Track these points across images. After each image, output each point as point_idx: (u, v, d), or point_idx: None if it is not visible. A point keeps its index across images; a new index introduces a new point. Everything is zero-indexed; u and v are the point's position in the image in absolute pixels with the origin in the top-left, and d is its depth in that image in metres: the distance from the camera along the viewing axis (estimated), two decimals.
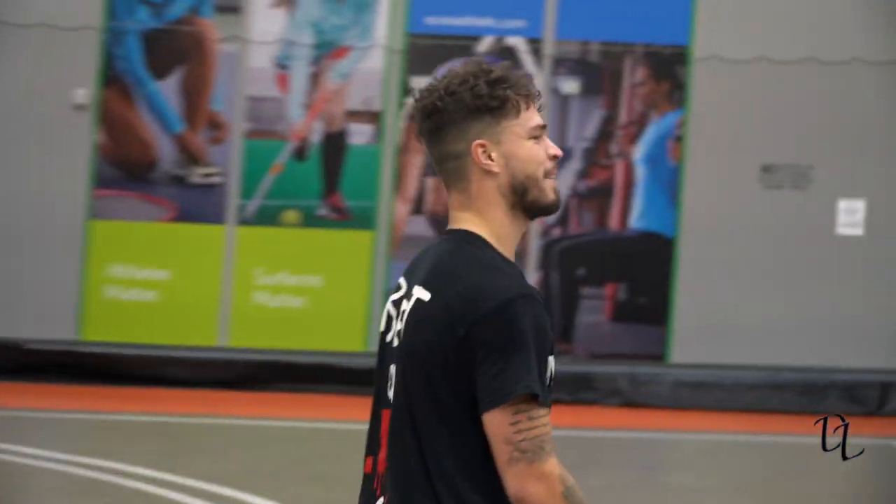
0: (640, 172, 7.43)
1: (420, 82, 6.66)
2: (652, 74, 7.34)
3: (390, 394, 1.07)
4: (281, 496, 5.06)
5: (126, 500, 5.09)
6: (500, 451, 0.94)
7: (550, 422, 1.00)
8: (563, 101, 7.40)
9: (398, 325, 1.07)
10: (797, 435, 7.40)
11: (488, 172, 1.02)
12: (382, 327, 1.13)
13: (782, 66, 7.45)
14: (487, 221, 1.05)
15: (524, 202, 1.06)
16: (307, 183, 7.42)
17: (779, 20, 7.53)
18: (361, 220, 7.32)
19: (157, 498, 4.98)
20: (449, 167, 1.06)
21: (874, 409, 7.91)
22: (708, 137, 7.58)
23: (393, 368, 1.07)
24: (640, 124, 7.40)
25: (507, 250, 1.06)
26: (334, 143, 7.38)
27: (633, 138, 7.41)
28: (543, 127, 1.10)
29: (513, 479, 0.95)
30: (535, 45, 7.39)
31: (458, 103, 1.03)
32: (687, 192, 7.39)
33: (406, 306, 1.07)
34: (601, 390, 8.28)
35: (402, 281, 1.13)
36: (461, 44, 7.34)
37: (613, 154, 7.49)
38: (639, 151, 7.44)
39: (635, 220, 7.42)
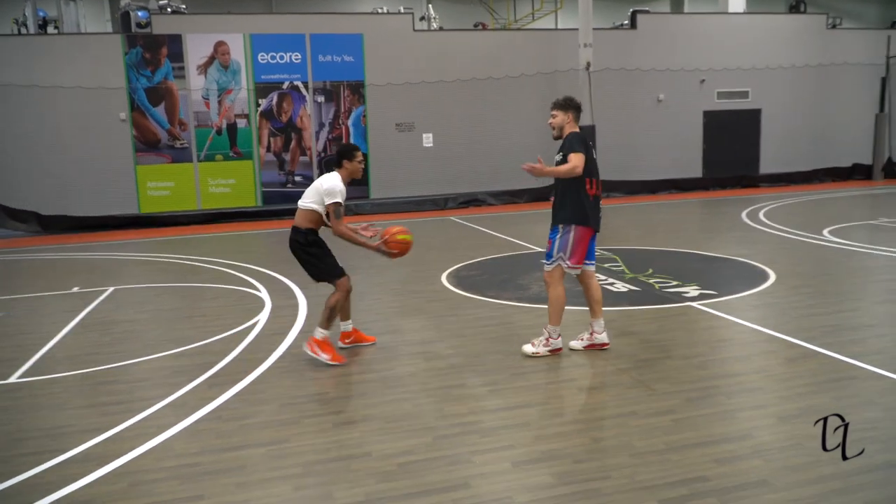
0: (351, 129, 17.26)
1: (260, 103, 16.49)
2: (352, 92, 17.01)
3: None
4: None
5: None
6: None
7: None
8: (318, 105, 16.93)
9: None
10: None
11: None
12: None
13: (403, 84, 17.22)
14: None
15: None
16: (223, 143, 16.64)
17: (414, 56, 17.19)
18: (248, 156, 16.76)
19: None
20: None
21: None
22: (374, 115, 17.33)
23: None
24: (349, 112, 17.07)
25: None
26: (232, 127, 16.25)
27: (347, 117, 17.11)
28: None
29: None
30: (305, 84, 16.79)
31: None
32: (371, 136, 17.21)
33: None
34: None
35: None
36: (275, 86, 16.51)
37: (341, 123, 17.17)
38: (350, 121, 17.22)
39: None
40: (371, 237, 5.73)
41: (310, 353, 5.62)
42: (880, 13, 33.59)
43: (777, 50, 20.11)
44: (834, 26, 21.71)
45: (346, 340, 6.19)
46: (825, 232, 11.13)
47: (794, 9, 23.33)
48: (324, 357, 5.59)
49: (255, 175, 16.70)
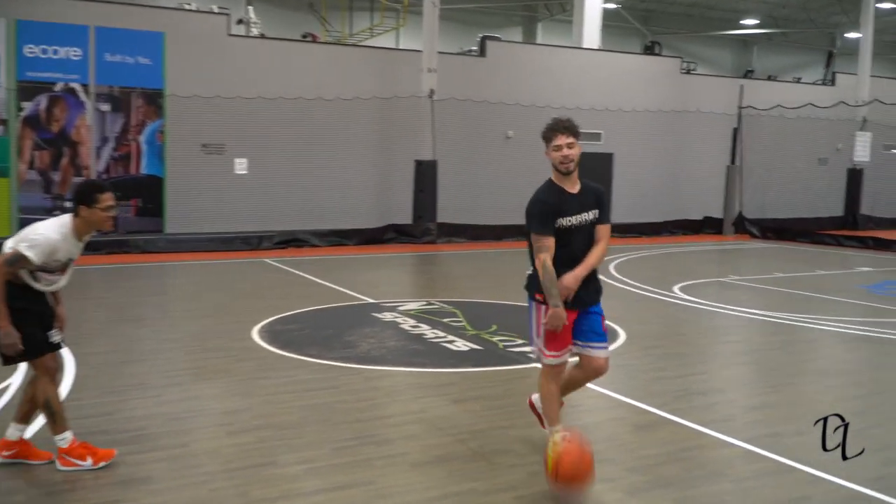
0: (144, 147, 16.63)
1: (23, 106, 15.31)
2: (147, 102, 16.45)
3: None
4: None
5: None
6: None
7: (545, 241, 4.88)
8: (102, 114, 16.10)
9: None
10: None
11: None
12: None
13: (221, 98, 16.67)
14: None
15: (556, 169, 5.05)
16: None
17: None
18: (3, 172, 15.52)
19: None
20: None
21: None
22: (175, 132, 16.88)
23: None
24: (142, 125, 16.29)
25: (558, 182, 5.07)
26: None
27: (140, 131, 16.26)
28: (558, 145, 4.99)
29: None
30: (85, 87, 15.95)
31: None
32: (170, 156, 16.74)
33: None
34: None
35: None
36: (45, 86, 15.52)
37: (131, 139, 16.52)
38: (143, 138, 16.59)
39: (143, 169, 16.67)
40: None
41: (68, 469, 4.87)
42: (735, 61, 37.83)
43: (631, 92, 22.00)
44: (688, 71, 24.12)
45: (5, 453, 5.06)
46: (675, 288, 12.15)
47: (648, 50, 25.66)
48: (87, 464, 4.88)
49: (10, 197, 15.52)
